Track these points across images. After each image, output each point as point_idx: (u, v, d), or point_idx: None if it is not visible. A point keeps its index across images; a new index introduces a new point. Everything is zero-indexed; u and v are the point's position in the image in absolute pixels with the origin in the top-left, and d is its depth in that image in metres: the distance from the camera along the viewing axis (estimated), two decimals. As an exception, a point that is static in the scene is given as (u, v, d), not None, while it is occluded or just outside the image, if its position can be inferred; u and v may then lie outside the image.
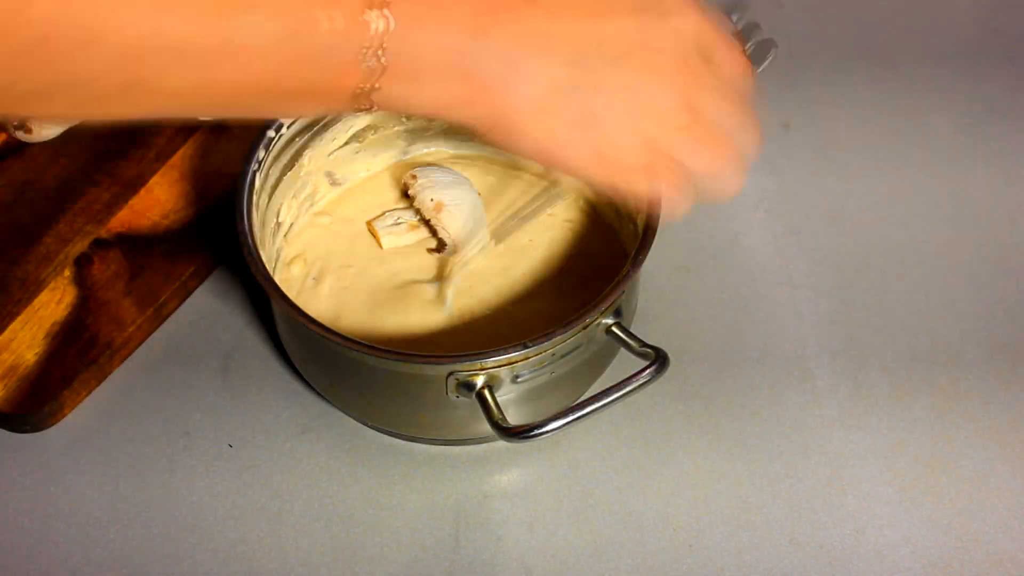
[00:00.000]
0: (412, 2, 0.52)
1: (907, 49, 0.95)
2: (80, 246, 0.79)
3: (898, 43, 0.95)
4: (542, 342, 0.64)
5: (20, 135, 0.83)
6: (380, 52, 0.52)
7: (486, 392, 0.64)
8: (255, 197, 0.70)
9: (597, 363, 0.72)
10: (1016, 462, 0.74)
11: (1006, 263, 0.82)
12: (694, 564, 0.70)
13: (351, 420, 0.75)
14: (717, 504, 0.72)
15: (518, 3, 0.55)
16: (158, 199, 0.81)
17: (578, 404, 0.62)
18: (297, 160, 0.76)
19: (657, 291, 0.80)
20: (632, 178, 0.60)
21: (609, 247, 0.77)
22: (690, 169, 0.60)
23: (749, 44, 0.66)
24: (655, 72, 0.58)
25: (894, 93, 0.92)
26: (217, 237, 0.80)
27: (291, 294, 0.69)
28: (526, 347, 0.64)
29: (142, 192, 0.81)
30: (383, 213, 0.79)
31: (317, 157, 0.77)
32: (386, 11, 0.51)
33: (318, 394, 0.75)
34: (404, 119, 0.80)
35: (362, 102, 0.54)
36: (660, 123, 0.58)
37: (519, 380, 0.65)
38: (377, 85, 0.53)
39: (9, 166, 0.83)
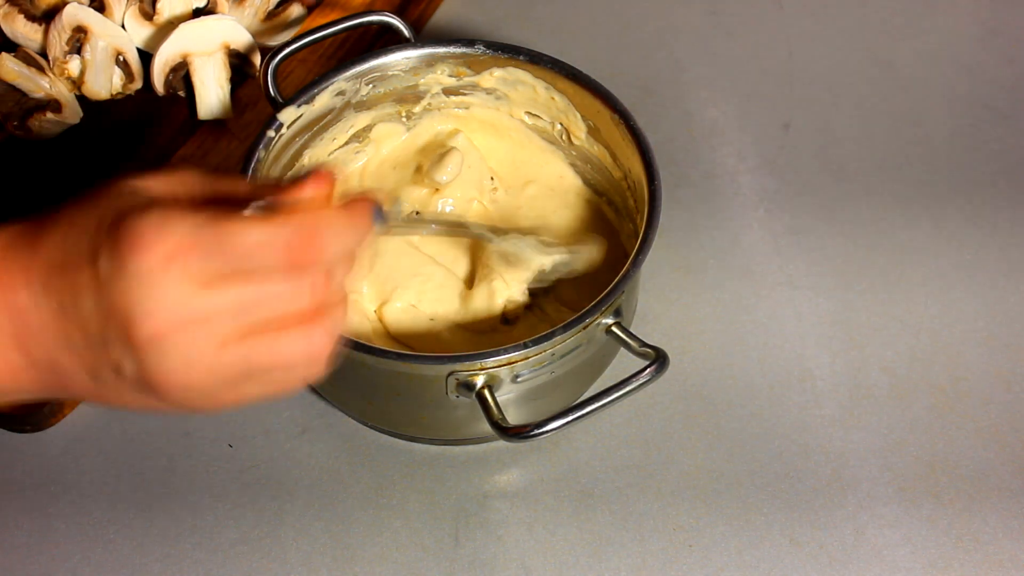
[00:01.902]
0: None
1: (907, 49, 0.95)
2: (80, 246, 0.79)
3: (898, 43, 0.95)
4: (542, 342, 0.64)
5: (21, 135, 0.83)
6: None
7: (486, 392, 0.64)
8: (255, 197, 0.70)
9: (597, 363, 0.72)
10: (1016, 462, 0.74)
11: (1006, 263, 0.82)
12: (694, 564, 0.70)
13: (351, 420, 0.75)
14: (718, 503, 0.72)
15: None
16: (158, 199, 0.81)
17: (578, 404, 0.63)
18: (297, 160, 0.76)
19: (657, 291, 0.80)
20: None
21: (609, 247, 0.77)
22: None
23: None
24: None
25: (894, 93, 0.92)
26: (217, 237, 0.80)
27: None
28: (526, 347, 0.64)
29: (142, 192, 0.81)
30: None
31: (317, 157, 0.77)
32: None
33: (318, 394, 0.75)
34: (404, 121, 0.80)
35: None
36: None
37: (519, 380, 0.65)
38: None
39: (10, 165, 0.83)
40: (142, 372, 0.47)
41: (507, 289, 0.73)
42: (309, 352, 0.49)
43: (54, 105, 0.83)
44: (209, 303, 0.46)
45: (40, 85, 0.83)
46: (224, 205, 0.48)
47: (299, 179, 0.49)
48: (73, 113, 0.84)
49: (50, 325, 0.47)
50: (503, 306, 0.73)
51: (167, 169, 0.50)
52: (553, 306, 0.74)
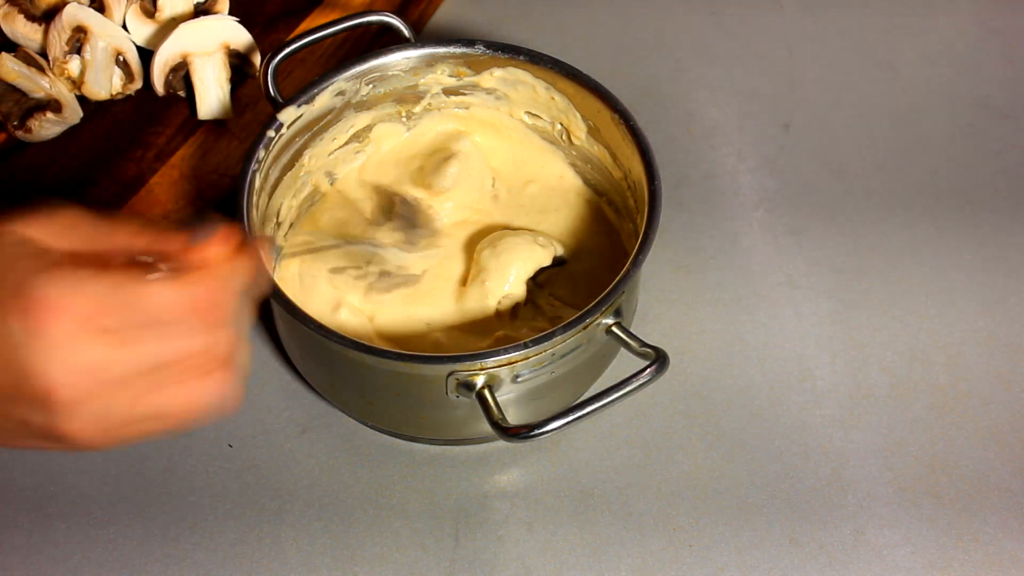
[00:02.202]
0: None
1: (907, 50, 0.95)
2: (80, 246, 0.79)
3: (898, 44, 0.95)
4: (542, 342, 0.64)
5: (20, 134, 0.83)
6: None
7: (486, 392, 0.64)
8: (255, 197, 0.70)
9: (597, 363, 0.72)
10: (1016, 462, 0.74)
11: (1006, 263, 0.82)
12: (694, 564, 0.70)
13: (351, 420, 0.75)
14: (717, 504, 0.72)
15: None
16: (158, 199, 0.81)
17: (578, 404, 0.62)
18: (297, 160, 0.76)
19: (657, 291, 0.80)
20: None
21: (609, 247, 0.77)
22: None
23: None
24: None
25: (894, 93, 0.92)
26: (217, 237, 0.80)
27: (290, 293, 0.69)
28: (526, 347, 0.64)
29: (142, 192, 0.81)
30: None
31: (318, 156, 0.77)
32: None
33: (318, 394, 0.75)
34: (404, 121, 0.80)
35: None
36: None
37: (519, 380, 0.65)
38: None
39: (10, 165, 0.83)
40: (52, 428, 0.47)
41: (501, 286, 0.73)
42: (222, 394, 0.50)
43: (54, 105, 0.83)
44: (125, 364, 0.47)
45: (40, 85, 0.83)
46: (124, 261, 0.49)
47: (201, 235, 0.49)
48: (73, 113, 0.84)
49: None
50: (497, 304, 0.73)
51: (49, 215, 0.49)
52: (547, 300, 0.74)
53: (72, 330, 0.45)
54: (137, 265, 0.49)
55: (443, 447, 0.74)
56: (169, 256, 0.49)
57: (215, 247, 0.49)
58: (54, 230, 0.49)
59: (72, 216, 0.49)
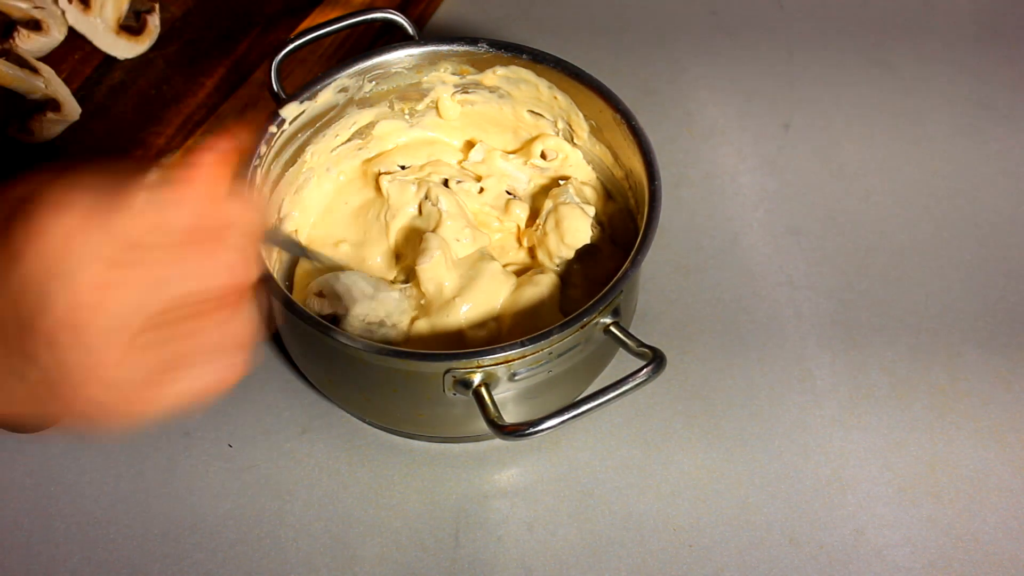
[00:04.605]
0: None
1: (907, 49, 0.95)
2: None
3: (898, 43, 0.95)
4: (539, 340, 0.64)
5: (24, 137, 0.83)
6: None
7: (483, 390, 0.64)
8: (256, 193, 0.70)
9: (595, 362, 0.72)
10: (1016, 462, 0.74)
11: (1006, 263, 0.82)
12: (694, 564, 0.70)
13: (351, 420, 0.75)
14: (717, 504, 0.72)
15: None
16: (158, 199, 0.81)
17: (573, 403, 0.62)
18: (299, 156, 0.76)
19: (657, 291, 0.80)
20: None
21: (609, 247, 0.77)
22: None
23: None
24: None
25: (894, 93, 0.92)
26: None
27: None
28: (524, 345, 0.63)
29: (142, 192, 0.81)
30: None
31: (320, 153, 0.77)
32: None
33: (318, 393, 0.75)
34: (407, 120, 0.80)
35: None
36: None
37: (517, 378, 0.65)
38: None
39: (10, 167, 0.83)
40: (56, 360, 0.45)
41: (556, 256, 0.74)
42: (226, 337, 0.48)
43: (53, 104, 0.83)
44: (122, 276, 0.45)
45: (36, 86, 0.83)
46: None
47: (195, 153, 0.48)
48: (72, 110, 0.84)
49: None
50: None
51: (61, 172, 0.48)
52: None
53: (67, 236, 0.44)
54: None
55: (443, 446, 0.74)
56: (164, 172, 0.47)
57: (207, 156, 0.47)
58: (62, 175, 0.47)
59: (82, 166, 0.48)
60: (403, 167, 0.80)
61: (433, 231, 0.74)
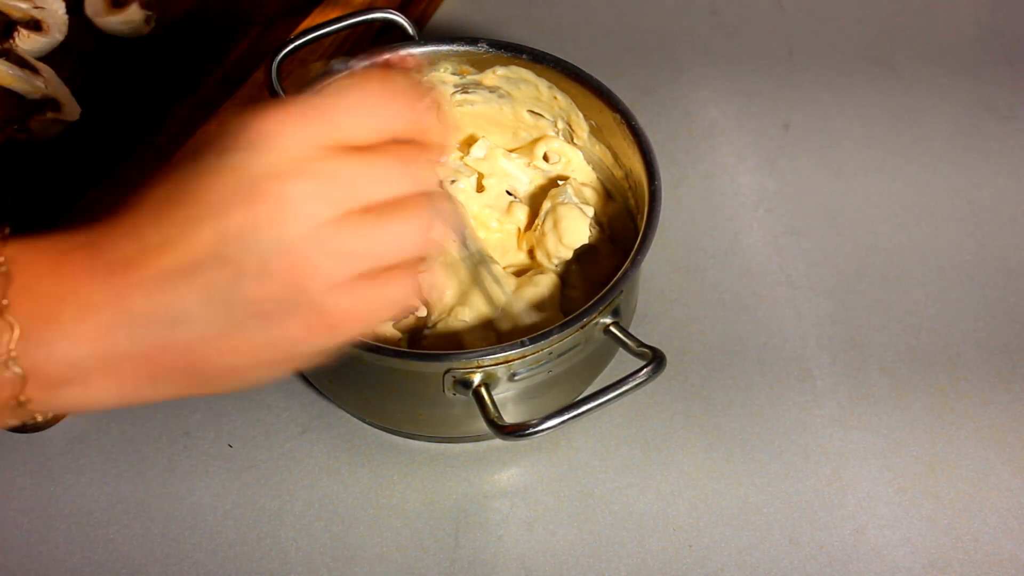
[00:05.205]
0: (36, 298, 0.45)
1: (907, 49, 0.95)
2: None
3: (898, 43, 0.95)
4: (539, 340, 0.64)
5: (24, 137, 0.83)
6: (11, 362, 0.45)
7: (483, 390, 0.64)
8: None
9: (595, 362, 0.72)
10: (1016, 462, 0.74)
11: (1006, 263, 0.82)
12: (694, 564, 0.70)
13: (351, 420, 0.75)
14: (717, 504, 0.72)
15: (146, 278, 0.46)
16: (158, 199, 0.81)
17: (573, 404, 0.62)
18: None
19: (657, 291, 0.80)
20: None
21: (609, 247, 0.77)
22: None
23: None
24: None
25: (894, 93, 0.92)
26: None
27: None
28: (523, 345, 0.63)
29: (142, 192, 0.81)
30: None
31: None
32: (9, 317, 0.44)
33: (318, 393, 0.75)
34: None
35: (22, 415, 0.47)
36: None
37: (516, 378, 0.65)
38: (23, 398, 0.46)
39: (11, 167, 0.83)
40: (280, 262, 0.45)
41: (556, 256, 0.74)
42: (417, 235, 0.48)
43: (53, 104, 0.83)
44: (325, 166, 0.46)
45: (36, 86, 0.83)
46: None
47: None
48: (72, 110, 0.84)
49: (161, 307, 0.46)
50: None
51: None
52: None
53: (275, 128, 0.45)
54: None
55: (443, 446, 0.74)
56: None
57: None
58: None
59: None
60: None
61: None
